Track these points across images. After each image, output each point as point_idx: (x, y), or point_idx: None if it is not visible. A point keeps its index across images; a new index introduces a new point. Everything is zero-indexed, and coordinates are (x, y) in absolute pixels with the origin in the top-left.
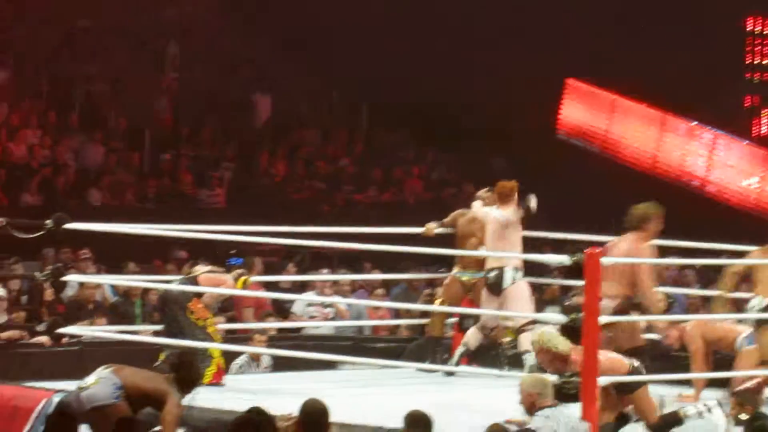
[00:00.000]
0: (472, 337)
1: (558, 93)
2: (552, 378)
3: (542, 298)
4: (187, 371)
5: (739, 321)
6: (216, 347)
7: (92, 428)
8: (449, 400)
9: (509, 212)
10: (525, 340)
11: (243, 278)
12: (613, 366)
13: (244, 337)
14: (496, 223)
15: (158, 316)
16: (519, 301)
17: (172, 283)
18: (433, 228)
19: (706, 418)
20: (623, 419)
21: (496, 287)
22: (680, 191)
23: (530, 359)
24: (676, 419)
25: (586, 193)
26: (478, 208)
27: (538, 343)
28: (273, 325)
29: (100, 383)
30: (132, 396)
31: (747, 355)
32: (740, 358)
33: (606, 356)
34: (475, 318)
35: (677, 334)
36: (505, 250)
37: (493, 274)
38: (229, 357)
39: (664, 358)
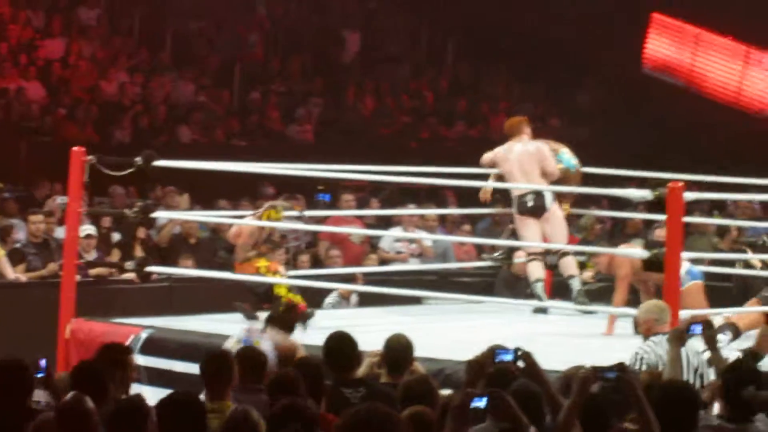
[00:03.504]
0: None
1: (643, 27)
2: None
3: (625, 232)
4: (285, 316)
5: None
6: (279, 282)
7: None
8: (533, 333)
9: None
10: (565, 265)
11: (266, 212)
12: None
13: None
14: (526, 154)
15: None
16: (561, 223)
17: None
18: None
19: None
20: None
21: (538, 210)
22: (764, 125)
23: (576, 284)
24: None
25: (671, 127)
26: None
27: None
28: (326, 271)
29: (263, 346)
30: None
31: (690, 292)
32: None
33: None
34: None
35: (606, 259)
36: (537, 178)
37: (530, 197)
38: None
39: None
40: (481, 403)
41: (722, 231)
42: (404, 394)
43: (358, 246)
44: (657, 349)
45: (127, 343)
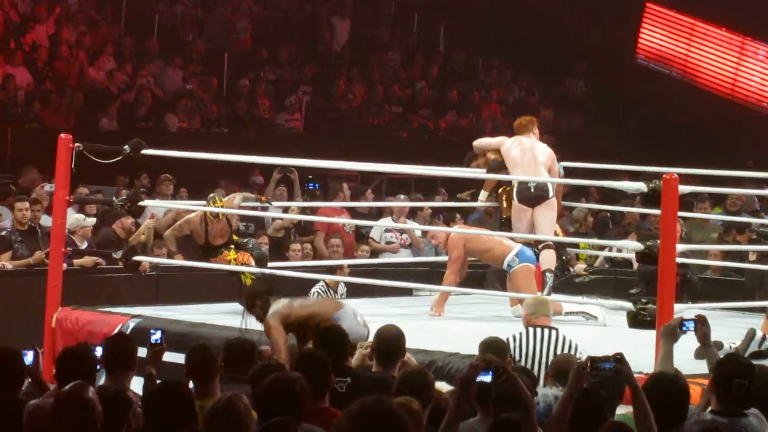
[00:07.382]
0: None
1: (638, 17)
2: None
3: (621, 224)
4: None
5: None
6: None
7: None
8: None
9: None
10: (545, 258)
11: (209, 202)
12: None
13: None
14: (540, 149)
15: None
16: (552, 215)
17: None
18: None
19: None
20: None
21: (537, 199)
22: (759, 117)
23: (549, 279)
24: None
25: (664, 118)
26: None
27: None
28: (314, 263)
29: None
30: None
31: (518, 274)
32: (511, 277)
33: None
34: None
35: (444, 236)
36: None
37: (533, 185)
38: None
39: None
40: (487, 377)
41: (727, 224)
42: (400, 385)
43: (351, 235)
44: (522, 342)
45: (114, 332)
